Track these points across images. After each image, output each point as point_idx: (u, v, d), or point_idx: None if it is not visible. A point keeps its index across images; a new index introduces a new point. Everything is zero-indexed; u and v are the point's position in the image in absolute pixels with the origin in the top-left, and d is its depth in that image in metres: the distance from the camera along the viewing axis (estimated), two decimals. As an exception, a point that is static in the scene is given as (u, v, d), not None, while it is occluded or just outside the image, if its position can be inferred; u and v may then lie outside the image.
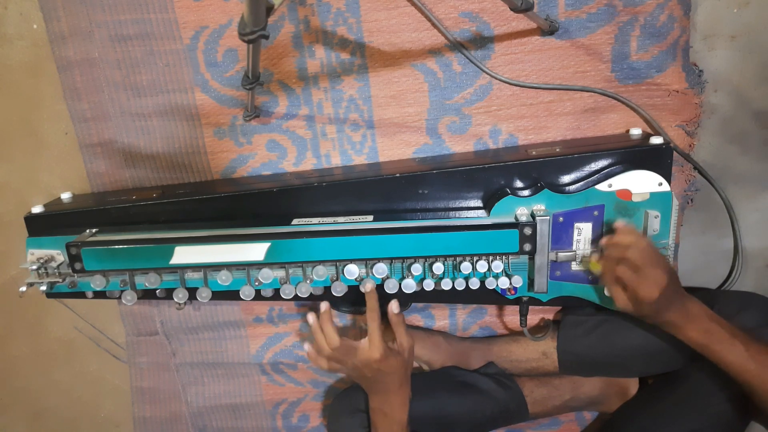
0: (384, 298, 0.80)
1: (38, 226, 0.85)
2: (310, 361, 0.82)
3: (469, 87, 0.86)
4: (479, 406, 0.90)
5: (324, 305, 0.80)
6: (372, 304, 0.78)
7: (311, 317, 0.81)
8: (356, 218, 0.81)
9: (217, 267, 0.79)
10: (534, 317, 0.98)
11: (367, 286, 0.79)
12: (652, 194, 0.77)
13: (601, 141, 0.85)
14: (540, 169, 0.79)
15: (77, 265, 0.78)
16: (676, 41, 0.82)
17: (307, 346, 0.82)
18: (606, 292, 0.78)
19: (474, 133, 0.88)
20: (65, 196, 0.92)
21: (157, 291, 0.84)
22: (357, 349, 0.78)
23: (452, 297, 0.83)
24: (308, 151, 0.91)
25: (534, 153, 0.81)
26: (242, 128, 0.90)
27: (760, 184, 0.91)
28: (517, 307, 0.87)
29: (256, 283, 0.81)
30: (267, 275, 0.79)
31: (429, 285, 0.80)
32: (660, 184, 0.77)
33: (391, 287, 0.80)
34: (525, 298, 0.84)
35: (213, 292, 0.82)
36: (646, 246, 0.71)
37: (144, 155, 0.91)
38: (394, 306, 0.79)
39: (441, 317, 0.99)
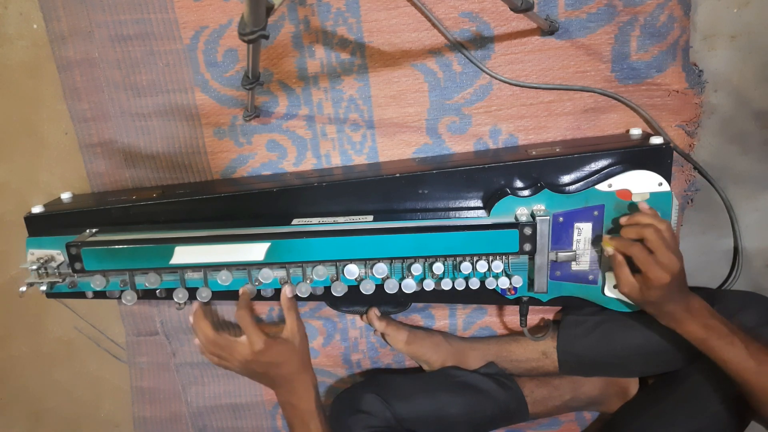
0: (384, 298, 0.80)
1: (38, 226, 0.85)
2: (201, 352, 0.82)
3: (469, 87, 0.86)
4: (479, 406, 0.90)
5: (195, 304, 0.81)
6: (242, 303, 0.79)
7: (191, 316, 0.81)
8: (356, 218, 0.81)
9: (217, 267, 0.79)
10: (534, 317, 0.98)
11: (241, 289, 0.80)
12: (652, 194, 0.77)
13: (601, 141, 0.84)
14: (540, 169, 0.79)
15: (77, 265, 0.78)
16: (676, 41, 0.82)
17: (196, 340, 0.82)
18: (608, 286, 0.78)
19: (474, 133, 0.88)
20: (65, 196, 0.92)
21: (157, 291, 0.84)
22: (237, 345, 0.78)
23: (452, 297, 0.83)
24: (308, 151, 0.91)
25: (534, 153, 0.81)
26: (242, 128, 0.90)
27: (760, 184, 0.91)
28: (517, 307, 0.87)
29: (257, 283, 0.81)
30: (267, 275, 0.79)
31: (429, 285, 0.80)
32: (660, 184, 0.77)
33: (391, 287, 0.80)
34: (525, 298, 0.84)
35: (213, 292, 0.82)
36: (665, 228, 0.71)
37: (144, 155, 0.91)
38: (287, 290, 0.79)
39: (441, 317, 0.99)
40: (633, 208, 0.77)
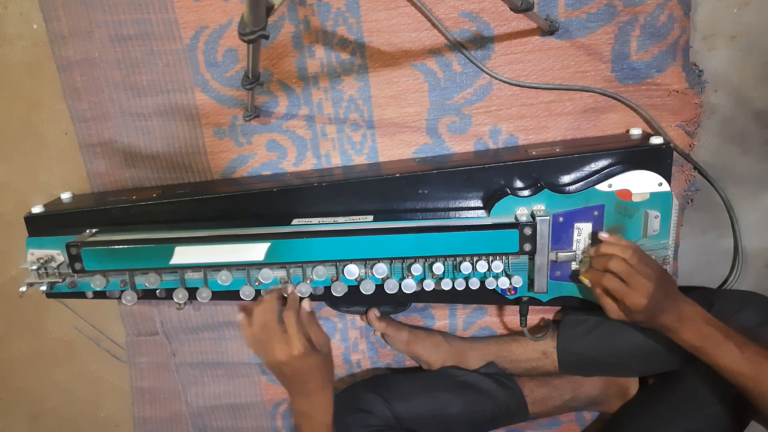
0: (384, 298, 0.80)
1: (38, 226, 0.85)
2: (241, 329, 0.79)
3: (469, 87, 0.86)
4: (479, 406, 0.90)
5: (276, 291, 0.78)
6: (291, 303, 0.76)
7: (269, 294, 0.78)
8: (356, 218, 0.81)
9: (217, 267, 0.79)
10: (534, 317, 0.98)
11: (289, 289, 0.79)
12: (652, 194, 0.77)
13: (601, 141, 0.85)
14: (540, 169, 0.79)
15: (77, 265, 0.78)
16: (676, 41, 0.82)
17: (240, 316, 0.77)
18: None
19: (474, 133, 0.88)
20: (65, 196, 0.92)
21: (157, 291, 0.84)
22: (281, 342, 0.75)
23: (452, 297, 0.83)
24: (308, 151, 0.91)
25: (534, 153, 0.81)
26: (242, 128, 0.90)
27: (760, 184, 0.91)
28: (517, 307, 0.87)
29: (256, 283, 0.81)
30: (267, 275, 0.79)
31: (429, 285, 0.80)
32: (660, 184, 0.77)
33: (391, 287, 0.80)
34: (525, 298, 0.84)
35: (213, 292, 0.82)
36: (630, 255, 0.71)
37: (144, 155, 0.91)
38: (305, 304, 0.78)
39: (441, 317, 0.99)
40: (632, 208, 0.78)
